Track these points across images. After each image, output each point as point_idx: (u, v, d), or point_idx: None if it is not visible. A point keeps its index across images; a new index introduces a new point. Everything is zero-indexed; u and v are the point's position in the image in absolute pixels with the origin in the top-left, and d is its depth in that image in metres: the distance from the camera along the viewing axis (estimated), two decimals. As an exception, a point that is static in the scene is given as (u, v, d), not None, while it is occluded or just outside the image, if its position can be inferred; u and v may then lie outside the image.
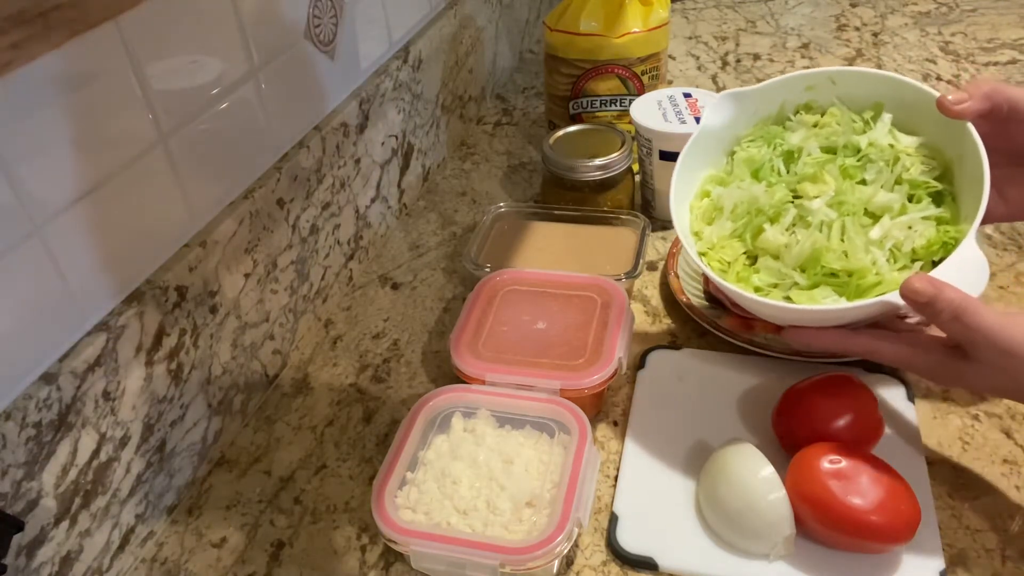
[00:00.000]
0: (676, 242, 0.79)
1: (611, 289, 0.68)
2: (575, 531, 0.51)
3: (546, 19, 0.90)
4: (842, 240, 0.54)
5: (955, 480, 0.56)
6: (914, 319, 0.57)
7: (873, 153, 0.57)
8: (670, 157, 0.80)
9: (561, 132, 0.84)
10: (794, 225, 0.56)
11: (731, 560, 0.52)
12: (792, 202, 0.57)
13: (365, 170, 0.82)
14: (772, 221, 0.57)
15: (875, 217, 0.54)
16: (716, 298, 0.72)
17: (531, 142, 1.04)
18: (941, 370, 0.51)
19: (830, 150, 0.59)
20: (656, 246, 0.82)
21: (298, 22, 0.69)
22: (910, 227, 0.53)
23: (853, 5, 1.31)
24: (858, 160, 0.57)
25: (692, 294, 0.73)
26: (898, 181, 0.55)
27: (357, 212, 0.81)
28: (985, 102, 0.52)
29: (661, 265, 0.80)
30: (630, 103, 0.87)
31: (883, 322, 0.54)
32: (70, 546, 0.51)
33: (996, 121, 0.53)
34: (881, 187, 0.55)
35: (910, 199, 0.55)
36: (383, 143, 0.85)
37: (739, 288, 0.54)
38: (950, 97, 0.53)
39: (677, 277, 0.75)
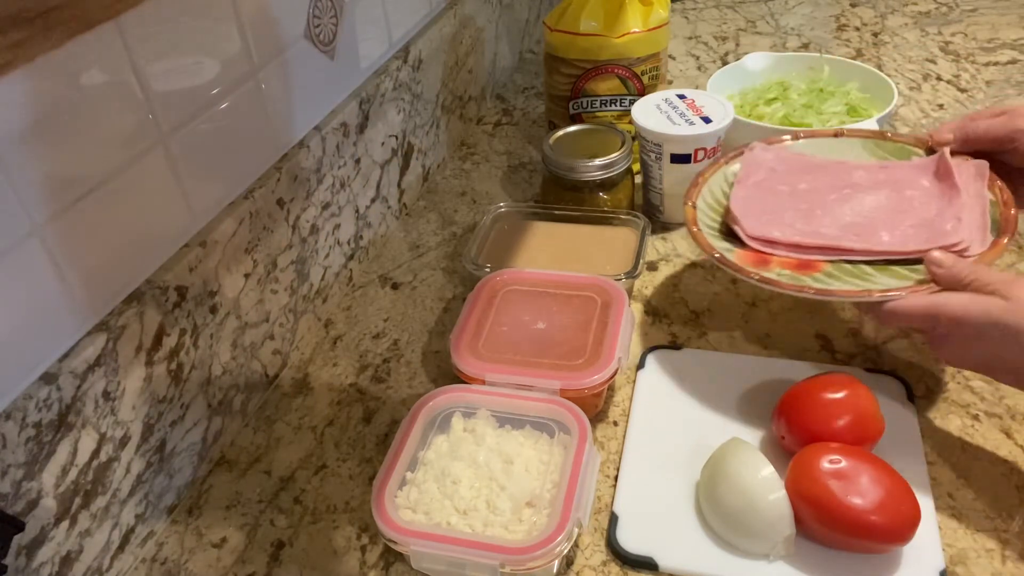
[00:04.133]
0: (705, 170, 0.72)
1: (611, 289, 0.68)
2: (575, 531, 0.51)
3: (546, 19, 0.90)
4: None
5: (955, 480, 0.56)
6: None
7: (834, 91, 0.93)
8: (682, 160, 0.80)
9: (561, 132, 0.84)
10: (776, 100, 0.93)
11: (731, 560, 0.52)
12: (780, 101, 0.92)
13: (365, 170, 0.82)
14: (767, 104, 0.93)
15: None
16: (733, 231, 0.66)
17: (531, 142, 1.04)
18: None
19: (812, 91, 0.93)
20: (656, 246, 0.82)
21: (298, 22, 0.69)
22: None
23: (853, 5, 1.31)
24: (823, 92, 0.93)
25: (706, 224, 0.67)
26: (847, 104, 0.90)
27: (357, 212, 0.81)
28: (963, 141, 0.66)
29: (663, 263, 0.80)
30: (630, 103, 0.87)
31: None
32: (70, 546, 0.51)
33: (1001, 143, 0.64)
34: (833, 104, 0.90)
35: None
36: (383, 143, 0.85)
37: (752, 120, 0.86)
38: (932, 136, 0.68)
39: (694, 208, 0.69)
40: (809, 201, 0.67)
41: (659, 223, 0.85)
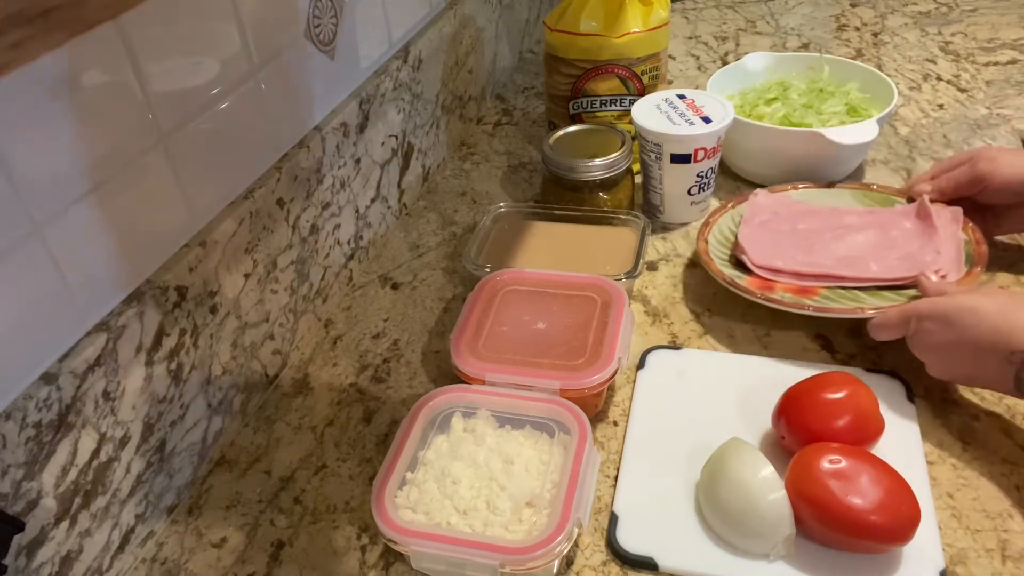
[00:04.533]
0: (714, 212, 0.80)
1: (611, 289, 0.68)
2: (575, 531, 0.51)
3: (546, 19, 0.90)
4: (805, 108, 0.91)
5: (955, 480, 0.56)
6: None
7: (834, 91, 0.93)
8: (682, 160, 0.80)
9: (561, 132, 0.84)
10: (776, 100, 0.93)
11: (731, 560, 0.52)
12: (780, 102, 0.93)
13: (365, 170, 0.82)
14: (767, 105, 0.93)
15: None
16: (740, 261, 0.74)
17: (531, 142, 1.04)
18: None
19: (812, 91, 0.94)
20: (656, 246, 0.82)
21: (298, 22, 0.69)
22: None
23: (853, 5, 1.31)
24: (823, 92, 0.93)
25: (717, 257, 0.75)
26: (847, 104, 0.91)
27: (357, 212, 0.81)
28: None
29: (663, 263, 0.80)
30: (630, 103, 0.87)
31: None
32: (70, 546, 0.51)
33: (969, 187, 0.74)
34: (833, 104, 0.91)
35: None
36: (383, 143, 0.85)
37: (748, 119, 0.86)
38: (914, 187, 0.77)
39: (706, 242, 0.76)
40: (808, 239, 0.75)
41: (659, 223, 0.85)
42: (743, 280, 0.71)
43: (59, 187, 0.48)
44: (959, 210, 0.74)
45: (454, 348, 0.64)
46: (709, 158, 0.80)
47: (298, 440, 0.66)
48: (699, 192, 0.83)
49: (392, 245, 0.88)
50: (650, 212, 0.86)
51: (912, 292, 0.67)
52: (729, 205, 0.81)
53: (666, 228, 0.85)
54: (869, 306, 0.66)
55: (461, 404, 0.60)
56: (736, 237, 0.76)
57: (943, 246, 0.70)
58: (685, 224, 0.85)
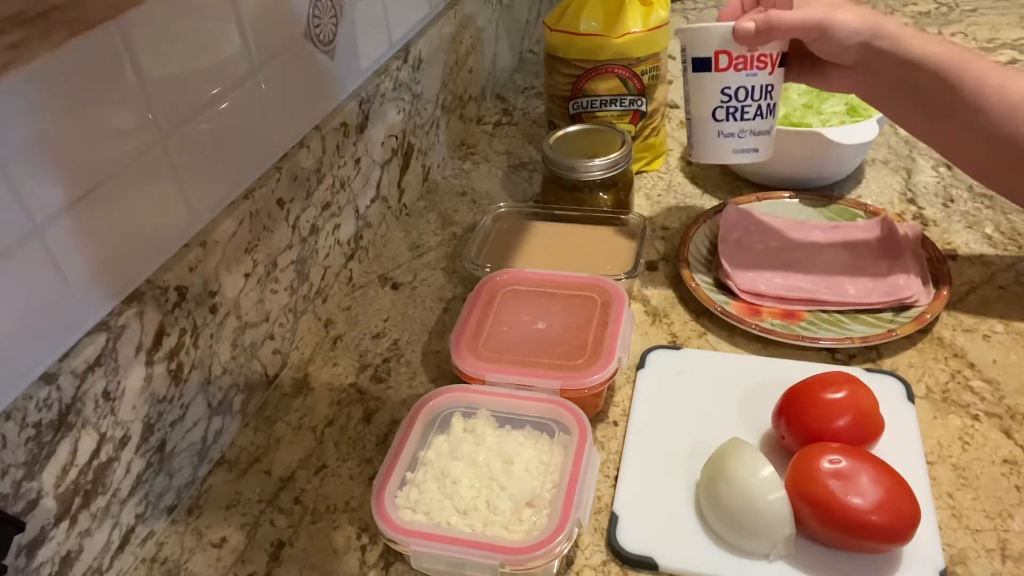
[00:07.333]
0: (689, 227, 0.80)
1: (611, 289, 0.68)
2: (575, 531, 0.51)
3: (546, 19, 0.90)
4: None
5: (955, 480, 0.57)
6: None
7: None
8: (703, 66, 0.67)
9: (561, 132, 0.84)
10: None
11: (731, 560, 0.52)
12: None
13: (365, 170, 0.82)
14: None
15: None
16: (725, 285, 0.74)
17: (531, 142, 1.04)
18: None
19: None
20: (656, 246, 0.82)
21: (298, 22, 0.69)
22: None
23: (853, 5, 1.31)
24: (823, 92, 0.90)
25: (702, 281, 0.75)
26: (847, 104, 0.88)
27: (357, 212, 0.81)
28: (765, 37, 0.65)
29: (663, 263, 0.80)
30: (630, 103, 0.87)
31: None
32: (70, 546, 0.51)
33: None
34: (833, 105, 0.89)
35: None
36: (383, 143, 0.85)
37: None
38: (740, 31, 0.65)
39: (688, 265, 0.76)
40: (782, 259, 0.77)
41: (658, 223, 0.85)
42: (730, 306, 0.72)
43: (59, 187, 0.48)
44: (918, 226, 0.76)
45: (454, 348, 0.64)
46: (738, 71, 0.66)
47: (298, 440, 0.66)
48: (728, 119, 0.67)
49: (392, 245, 0.88)
50: (689, 152, 0.73)
51: (889, 316, 0.69)
52: (701, 220, 0.82)
53: (666, 227, 0.85)
54: (856, 335, 0.67)
55: (461, 404, 0.60)
56: (718, 257, 0.76)
57: (911, 267, 0.73)
58: (716, 167, 0.76)
